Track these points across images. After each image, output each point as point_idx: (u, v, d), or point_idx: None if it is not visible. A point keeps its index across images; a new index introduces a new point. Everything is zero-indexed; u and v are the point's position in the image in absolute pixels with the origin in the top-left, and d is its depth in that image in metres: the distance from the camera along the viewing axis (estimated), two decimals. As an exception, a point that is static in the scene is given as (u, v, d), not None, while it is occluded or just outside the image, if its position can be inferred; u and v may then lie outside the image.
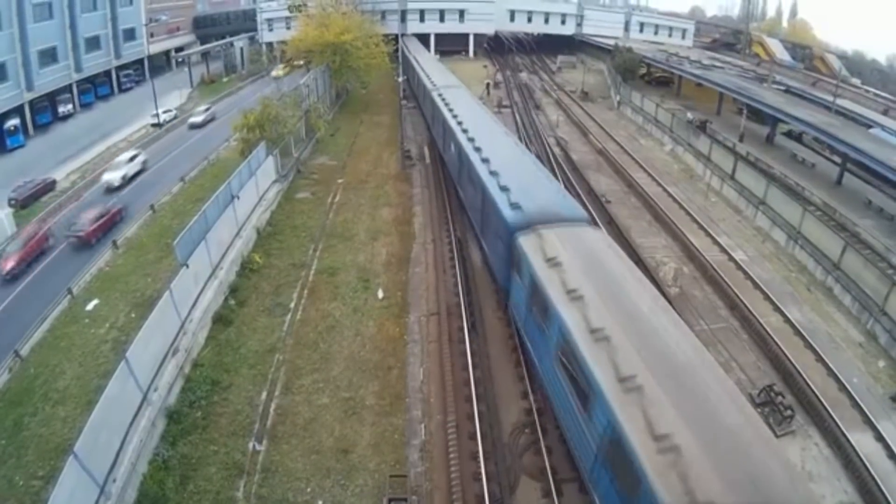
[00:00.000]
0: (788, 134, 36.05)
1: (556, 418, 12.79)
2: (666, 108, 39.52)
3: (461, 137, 22.71)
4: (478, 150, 20.86)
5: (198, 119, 43.54)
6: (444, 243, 23.89)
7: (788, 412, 14.77)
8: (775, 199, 25.50)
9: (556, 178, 24.18)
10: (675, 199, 28.28)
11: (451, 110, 26.49)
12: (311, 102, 37.44)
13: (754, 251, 23.79)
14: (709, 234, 24.71)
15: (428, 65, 42.05)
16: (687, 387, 9.44)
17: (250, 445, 14.36)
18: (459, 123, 24.14)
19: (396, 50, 46.89)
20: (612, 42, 58.71)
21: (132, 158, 33.66)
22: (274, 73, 55.82)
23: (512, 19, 69.15)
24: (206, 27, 67.06)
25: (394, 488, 12.90)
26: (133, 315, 19.31)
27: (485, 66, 59.64)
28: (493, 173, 18.40)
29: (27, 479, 13.47)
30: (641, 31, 68.37)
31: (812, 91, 44.45)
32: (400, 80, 35.45)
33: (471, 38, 66.53)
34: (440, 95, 29.81)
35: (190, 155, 36.10)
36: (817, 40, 75.25)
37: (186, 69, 57.79)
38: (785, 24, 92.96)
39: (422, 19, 64.36)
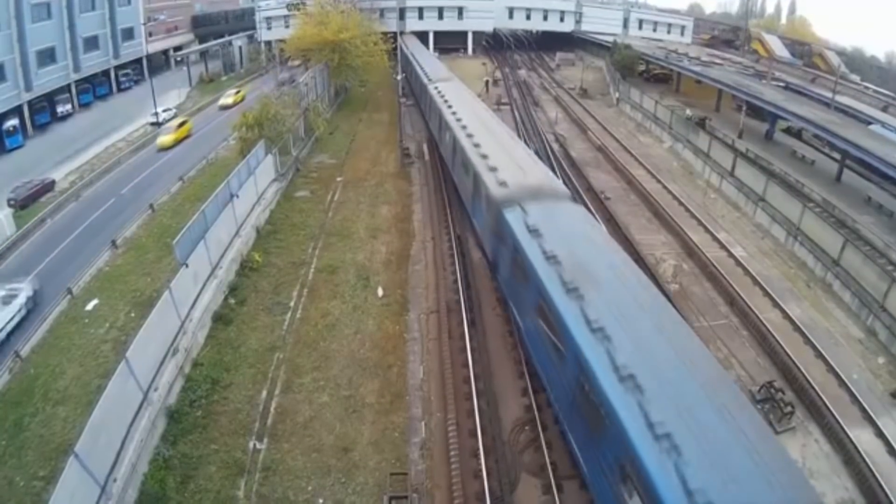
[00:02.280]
0: (788, 130, 35.97)
1: None
2: (665, 105, 39.48)
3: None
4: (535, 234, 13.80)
5: None
6: (444, 241, 23.88)
7: (788, 408, 14.79)
8: (775, 195, 25.49)
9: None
10: (674, 196, 28.27)
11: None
12: (310, 101, 37.39)
13: (754, 248, 23.79)
14: (708, 231, 24.71)
15: (434, 73, 35.99)
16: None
17: (251, 444, 14.38)
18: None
19: (395, 48, 46.77)
20: (610, 39, 58.62)
21: None
22: (160, 142, 37.12)
23: (511, 17, 69.04)
24: (204, 26, 66.97)
25: (394, 486, 12.91)
26: (133, 315, 19.30)
27: (483, 64, 59.54)
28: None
29: (28, 479, 13.47)
30: (640, 27, 68.31)
31: (811, 88, 44.27)
32: (399, 77, 35.42)
33: (469, 36, 66.43)
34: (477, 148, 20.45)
35: None
36: (816, 37, 75.07)
37: (185, 68, 57.68)
38: (784, 20, 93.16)
39: (420, 17, 64.24)
